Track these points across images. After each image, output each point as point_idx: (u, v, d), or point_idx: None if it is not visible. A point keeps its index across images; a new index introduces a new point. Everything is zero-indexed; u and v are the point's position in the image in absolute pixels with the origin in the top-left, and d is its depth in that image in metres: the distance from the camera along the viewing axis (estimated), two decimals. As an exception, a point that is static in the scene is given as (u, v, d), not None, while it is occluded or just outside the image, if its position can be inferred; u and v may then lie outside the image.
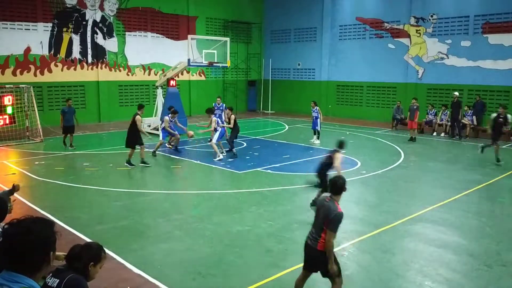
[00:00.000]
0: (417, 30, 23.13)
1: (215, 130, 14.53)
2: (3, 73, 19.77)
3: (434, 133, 20.32)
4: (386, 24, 24.33)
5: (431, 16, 22.50)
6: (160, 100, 19.58)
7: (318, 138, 17.46)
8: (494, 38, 20.50)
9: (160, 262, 6.59)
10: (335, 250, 7.09)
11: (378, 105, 25.03)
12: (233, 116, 14.92)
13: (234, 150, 14.62)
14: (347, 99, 26.59)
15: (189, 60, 18.10)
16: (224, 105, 18.02)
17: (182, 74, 24.19)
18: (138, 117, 12.91)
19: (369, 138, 18.78)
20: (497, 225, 8.56)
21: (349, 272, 6.41)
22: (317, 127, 17.39)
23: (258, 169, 12.78)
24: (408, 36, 23.50)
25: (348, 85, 26.44)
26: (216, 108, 17.28)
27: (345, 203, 9.87)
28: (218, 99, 18.23)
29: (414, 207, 9.50)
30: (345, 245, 7.33)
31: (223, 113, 17.08)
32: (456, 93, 19.81)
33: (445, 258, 6.95)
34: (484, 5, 20.69)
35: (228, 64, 19.89)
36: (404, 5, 23.45)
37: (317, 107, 17.58)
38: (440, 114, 20.71)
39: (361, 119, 24.80)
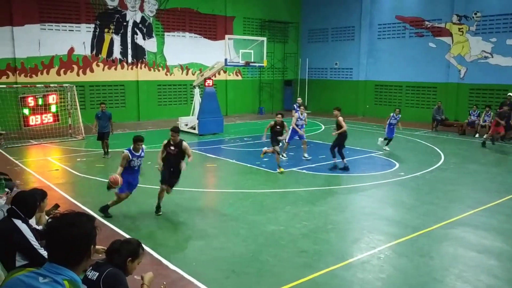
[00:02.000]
0: (459, 29, 22.42)
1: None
2: (48, 73, 20.54)
3: (477, 135, 19.64)
4: (426, 23, 23.72)
5: (475, 14, 21.76)
6: (197, 100, 19.85)
7: (387, 144, 15.94)
8: (542, 36, 19.62)
9: (194, 259, 6.68)
10: (369, 252, 7.00)
11: (418, 106, 24.43)
12: (340, 118, 12.78)
13: (335, 160, 12.87)
14: (386, 99, 26.10)
15: (226, 60, 18.24)
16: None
17: (219, 74, 24.40)
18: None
19: (408, 139, 18.37)
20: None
21: (385, 275, 6.30)
22: (392, 135, 15.81)
23: (294, 169, 12.74)
24: (450, 34, 22.81)
25: (386, 85, 25.95)
26: (297, 109, 16.45)
27: (382, 205, 9.73)
28: (299, 99, 17.34)
29: (453, 210, 9.23)
30: (381, 248, 7.20)
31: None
32: (510, 94, 19.04)
33: (487, 264, 6.72)
34: (532, 1, 19.85)
35: (265, 64, 19.93)
36: (446, 3, 22.78)
37: (400, 115, 16.05)
38: (483, 115, 20.01)
39: (401, 120, 24.22)
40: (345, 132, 12.69)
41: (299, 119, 14.36)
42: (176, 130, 8.99)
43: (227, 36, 19.32)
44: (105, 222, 8.12)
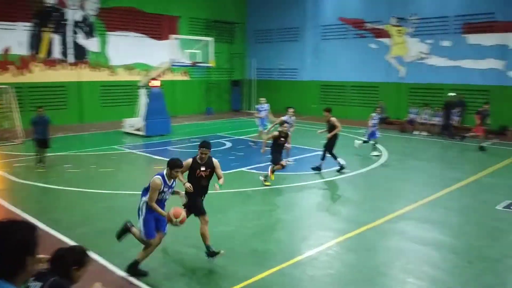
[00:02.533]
0: (398, 30, 23.37)
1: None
2: (-19, 74, 19.38)
3: (416, 132, 20.57)
4: (368, 24, 24.54)
5: (412, 16, 22.76)
6: (143, 101, 19.43)
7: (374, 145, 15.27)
8: (473, 38, 20.84)
9: (144, 264, 6.53)
10: (318, 249, 7.14)
11: (361, 105, 25.17)
12: (333, 119, 12.40)
13: (339, 160, 12.39)
14: (331, 98, 26.69)
15: (172, 60, 17.98)
16: (268, 105, 16.58)
17: (165, 74, 24.01)
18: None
19: (353, 138, 18.89)
20: (478, 222, 8.70)
21: (333, 271, 6.45)
22: (376, 136, 15.24)
23: (243, 169, 12.77)
24: (390, 36, 23.73)
25: (331, 85, 26.57)
26: (261, 109, 16.25)
27: (330, 202, 9.96)
28: (262, 99, 16.65)
29: (397, 205, 9.59)
30: (329, 244, 7.36)
31: (269, 114, 16.28)
32: (451, 94, 20.02)
33: (428, 255, 7.04)
34: (463, 5, 21.02)
35: (212, 64, 19.85)
36: (385, 6, 23.67)
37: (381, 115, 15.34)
38: (422, 113, 21.03)
39: (345, 118, 24.79)
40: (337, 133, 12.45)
41: (285, 123, 13.84)
42: (207, 146, 6.92)
43: (172, 36, 19.06)
44: (48, 230, 7.76)
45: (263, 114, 16.26)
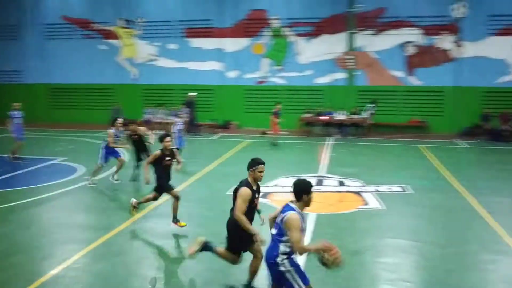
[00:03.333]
0: (127, 32, 23.68)
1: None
2: None
3: (154, 131, 21.38)
4: (95, 25, 24.01)
5: (139, 19, 23.40)
6: None
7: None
8: (195, 42, 22.93)
9: None
10: (64, 265, 6.71)
11: (98, 107, 24.42)
12: (142, 128, 12.06)
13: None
14: (64, 102, 25.09)
15: None
16: (22, 113, 14.37)
17: None
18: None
19: (90, 142, 18.24)
20: (211, 207, 9.68)
21: (82, 284, 6.17)
22: (183, 145, 14.61)
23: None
24: (119, 37, 23.83)
25: (62, 88, 24.92)
26: (15, 116, 14.06)
27: (72, 212, 9.44)
28: (16, 105, 14.32)
29: (140, 205, 9.72)
30: (76, 257, 6.99)
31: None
32: (190, 94, 21.26)
33: (173, 247, 7.50)
34: (184, 11, 22.85)
35: None
36: (111, 7, 23.62)
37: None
38: (157, 113, 22.06)
39: (81, 123, 23.70)
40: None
41: (115, 137, 11.69)
42: (263, 161, 5.64)
43: None
44: None
45: (18, 121, 14.37)
